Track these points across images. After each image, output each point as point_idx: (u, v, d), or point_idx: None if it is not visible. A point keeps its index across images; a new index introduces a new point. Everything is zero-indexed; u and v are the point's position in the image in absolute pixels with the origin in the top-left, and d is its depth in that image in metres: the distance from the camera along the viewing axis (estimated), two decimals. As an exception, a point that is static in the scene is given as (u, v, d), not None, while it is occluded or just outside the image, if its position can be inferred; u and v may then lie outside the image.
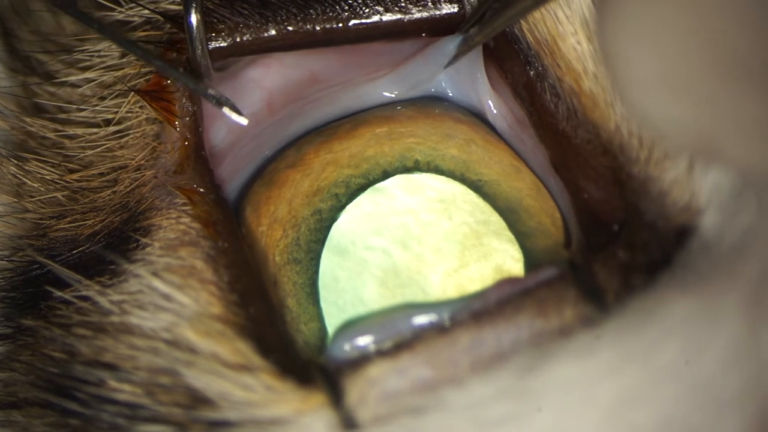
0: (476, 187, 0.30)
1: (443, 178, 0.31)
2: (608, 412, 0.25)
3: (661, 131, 0.25)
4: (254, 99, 0.32)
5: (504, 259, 0.30)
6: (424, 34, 0.31)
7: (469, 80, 0.31)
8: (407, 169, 0.31)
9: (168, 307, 0.28)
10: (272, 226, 0.30)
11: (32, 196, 0.31)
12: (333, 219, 0.30)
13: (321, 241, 0.30)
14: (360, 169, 0.31)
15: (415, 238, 0.30)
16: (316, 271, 0.30)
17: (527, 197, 0.30)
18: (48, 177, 0.31)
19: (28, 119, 0.32)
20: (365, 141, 0.31)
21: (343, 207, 0.30)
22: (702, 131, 0.23)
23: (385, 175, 0.31)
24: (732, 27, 0.23)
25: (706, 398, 0.25)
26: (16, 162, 0.31)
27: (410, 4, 0.30)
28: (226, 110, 0.30)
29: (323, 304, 0.30)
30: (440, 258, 0.30)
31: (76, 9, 0.31)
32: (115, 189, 0.31)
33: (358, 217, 0.30)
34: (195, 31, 0.30)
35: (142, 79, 0.31)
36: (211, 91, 0.30)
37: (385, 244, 0.30)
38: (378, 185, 0.30)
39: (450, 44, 0.30)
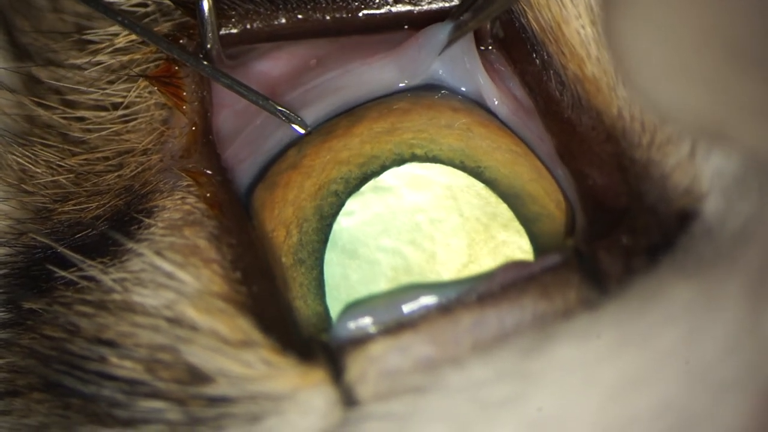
0: (477, 174, 0.30)
1: (448, 170, 0.31)
2: (608, 394, 0.25)
3: (669, 115, 0.25)
4: (259, 87, 0.32)
5: (513, 251, 0.30)
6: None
7: (464, 68, 0.31)
8: (405, 161, 0.31)
9: (170, 284, 0.28)
10: (277, 227, 0.30)
11: (36, 180, 0.31)
12: (334, 216, 0.30)
13: (324, 241, 0.30)
14: (359, 165, 0.31)
15: (425, 235, 0.30)
16: (321, 271, 0.30)
17: (530, 182, 0.30)
18: (53, 161, 0.31)
19: (32, 102, 0.32)
20: (363, 138, 0.31)
21: (342, 203, 0.30)
22: (709, 115, 0.24)
23: (383, 168, 0.31)
24: (739, 14, 0.23)
25: (706, 383, 0.25)
26: (20, 146, 0.32)
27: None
28: (294, 126, 0.31)
29: (331, 303, 0.30)
30: (450, 254, 0.30)
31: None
32: (120, 173, 0.31)
33: (368, 219, 0.30)
34: (207, 15, 0.30)
35: (151, 64, 0.31)
36: (279, 108, 0.30)
37: (395, 244, 0.30)
38: (385, 185, 0.31)
39: (441, 32, 0.30)
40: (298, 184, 0.31)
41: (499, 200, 0.30)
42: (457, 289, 0.27)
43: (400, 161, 0.31)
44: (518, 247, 0.30)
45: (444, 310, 0.27)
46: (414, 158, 0.31)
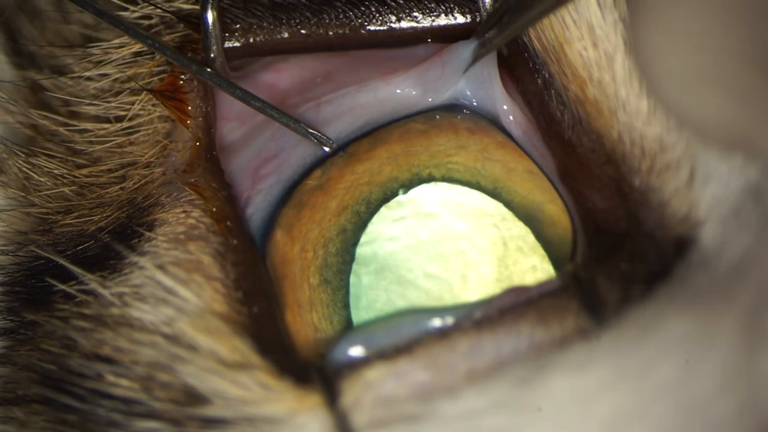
0: (494, 195, 0.30)
1: (482, 197, 0.30)
2: (602, 428, 0.25)
3: (690, 123, 0.25)
4: (267, 98, 0.32)
5: (537, 276, 0.30)
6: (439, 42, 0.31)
7: (484, 88, 0.31)
8: (423, 182, 0.31)
9: (170, 300, 0.28)
10: (306, 247, 0.30)
11: (39, 191, 0.31)
12: (358, 237, 0.30)
13: (349, 261, 0.30)
14: (380, 187, 0.31)
15: (462, 262, 0.30)
16: (347, 292, 0.30)
17: (548, 203, 0.30)
18: (56, 172, 0.31)
19: (36, 113, 0.32)
20: (383, 160, 0.31)
21: (365, 224, 0.30)
22: (730, 122, 0.23)
23: (403, 188, 0.31)
24: (763, 23, 0.23)
25: (700, 419, 0.24)
26: (23, 156, 0.32)
27: (420, 12, 0.30)
28: (326, 148, 0.31)
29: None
30: (483, 281, 0.30)
31: (100, 10, 0.31)
32: (123, 185, 0.31)
33: (411, 244, 0.30)
34: (211, 28, 0.30)
35: (155, 78, 0.31)
36: (311, 131, 0.30)
37: (430, 269, 0.30)
38: (427, 211, 0.30)
39: (465, 50, 0.30)
40: (323, 206, 0.30)
41: (522, 224, 0.30)
42: (456, 314, 0.27)
43: (418, 181, 0.31)
44: (546, 272, 0.30)
45: (441, 335, 0.27)
46: (431, 179, 0.30)
